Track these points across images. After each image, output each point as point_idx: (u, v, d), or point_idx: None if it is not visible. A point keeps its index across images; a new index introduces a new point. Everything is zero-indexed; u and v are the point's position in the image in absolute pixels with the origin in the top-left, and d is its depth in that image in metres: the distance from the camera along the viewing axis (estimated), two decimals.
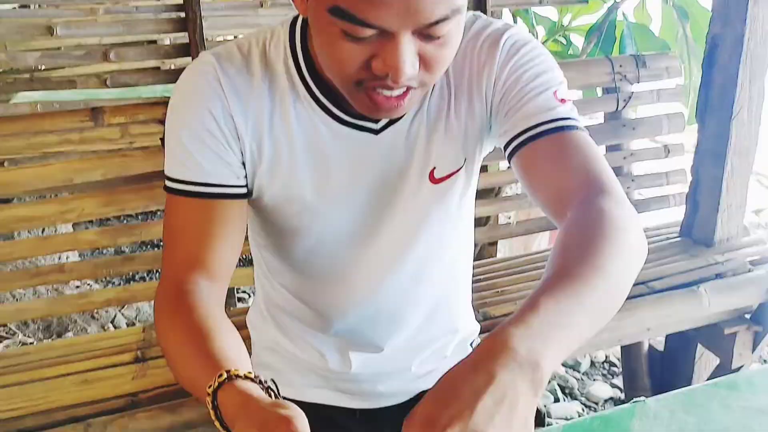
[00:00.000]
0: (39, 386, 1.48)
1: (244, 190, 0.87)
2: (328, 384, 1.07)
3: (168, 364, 0.79)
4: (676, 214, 2.29)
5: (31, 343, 2.54)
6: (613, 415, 1.05)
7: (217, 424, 0.67)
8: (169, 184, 0.85)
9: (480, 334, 1.19)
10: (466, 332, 1.14)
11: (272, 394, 0.68)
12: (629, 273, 0.71)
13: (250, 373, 0.67)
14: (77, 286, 2.89)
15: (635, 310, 1.80)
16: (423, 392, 1.09)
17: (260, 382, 0.68)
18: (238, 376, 0.67)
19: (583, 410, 2.76)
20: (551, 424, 2.62)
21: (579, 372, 2.99)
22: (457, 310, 1.11)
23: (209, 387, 0.66)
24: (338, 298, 1.00)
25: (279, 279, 1.03)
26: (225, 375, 0.66)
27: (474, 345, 1.17)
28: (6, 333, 2.64)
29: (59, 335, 2.65)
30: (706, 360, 2.16)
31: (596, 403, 2.81)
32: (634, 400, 1.07)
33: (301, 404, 1.08)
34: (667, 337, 2.22)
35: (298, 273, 1.00)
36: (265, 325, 1.10)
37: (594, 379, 2.97)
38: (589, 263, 0.67)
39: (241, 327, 1.10)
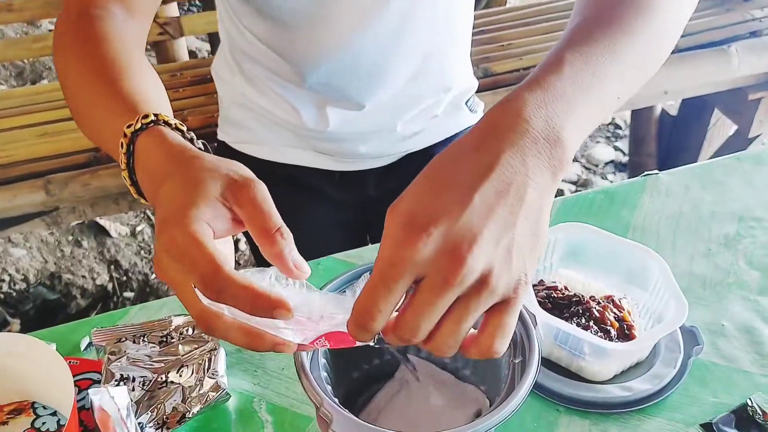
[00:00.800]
0: None
1: None
2: (304, 143, 0.97)
3: (71, 111, 0.64)
4: None
5: (2, 89, 2.39)
6: (620, 189, 0.93)
7: (131, 187, 0.55)
8: None
9: (478, 92, 1.05)
10: (461, 90, 1.01)
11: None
12: (682, 12, 0.57)
13: (181, 124, 0.55)
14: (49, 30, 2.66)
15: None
16: (410, 154, 0.98)
17: (191, 140, 0.55)
18: (167, 123, 0.54)
19: (582, 172, 2.71)
20: None
21: None
22: (450, 66, 0.97)
23: (128, 127, 0.53)
24: (308, 47, 0.86)
25: (244, 21, 0.88)
26: (152, 117, 0.53)
27: (470, 104, 1.04)
28: None
29: (33, 82, 2.50)
30: (721, 127, 2.03)
31: (596, 166, 2.76)
32: (646, 173, 0.95)
33: (275, 165, 1.01)
34: (683, 101, 2.07)
35: (264, 16, 0.84)
36: (232, 77, 0.98)
37: (597, 141, 2.88)
38: (629, 3, 0.52)
39: (207, 80, 0.96)
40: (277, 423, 0.65)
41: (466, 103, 1.04)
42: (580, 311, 0.69)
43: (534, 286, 0.74)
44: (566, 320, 0.68)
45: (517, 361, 0.56)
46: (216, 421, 0.65)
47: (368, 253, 0.85)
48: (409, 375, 0.67)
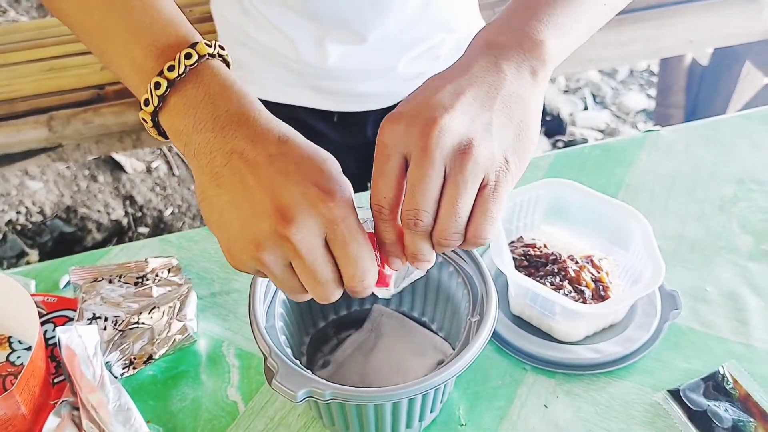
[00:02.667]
0: (3, 72, 1.37)
1: None
2: (302, 81, 0.95)
3: (74, 30, 0.54)
4: None
5: (24, 21, 2.39)
6: (617, 145, 0.90)
7: (151, 129, 0.48)
8: None
9: None
10: (466, 32, 0.98)
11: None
12: None
13: (222, 48, 0.48)
14: None
15: (679, 18, 1.54)
16: None
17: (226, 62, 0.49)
18: (210, 55, 0.47)
19: (611, 120, 2.63)
20: (574, 134, 2.56)
21: (615, 80, 2.79)
22: (456, 5, 0.94)
23: (170, 70, 0.45)
24: None
25: None
26: (195, 54, 0.46)
27: None
28: None
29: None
30: (752, 79, 1.94)
31: (627, 114, 2.68)
32: (647, 129, 0.92)
33: (272, 105, 1.00)
34: (714, 51, 1.98)
35: None
36: (231, 13, 0.96)
37: (630, 89, 2.79)
38: None
39: (208, 19, 0.94)
40: (243, 368, 0.66)
41: None
42: (556, 270, 0.68)
43: (512, 243, 0.72)
44: (540, 279, 0.67)
45: (474, 320, 0.55)
46: (184, 363, 0.66)
47: (366, 199, 0.84)
48: (377, 324, 0.67)
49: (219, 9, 0.99)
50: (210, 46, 0.47)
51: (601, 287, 0.67)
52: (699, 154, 0.88)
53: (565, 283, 0.67)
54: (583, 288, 0.66)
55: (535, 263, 0.69)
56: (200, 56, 0.46)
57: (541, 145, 2.39)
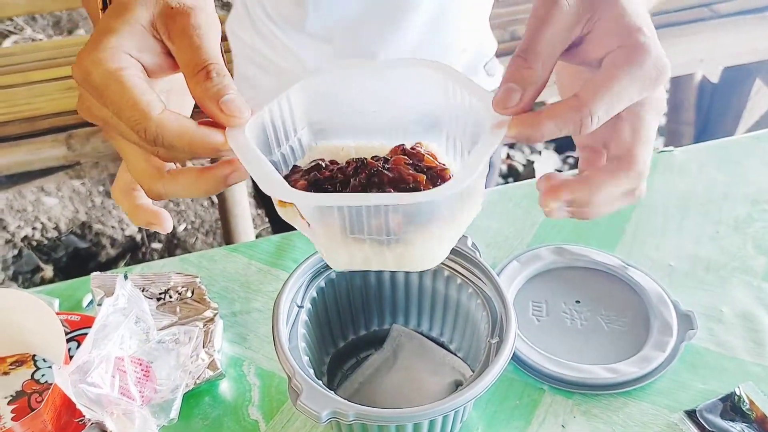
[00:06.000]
0: (23, 91, 1.39)
1: None
2: None
3: None
4: None
5: (40, 39, 2.43)
6: None
7: None
8: None
9: (502, 56, 1.03)
10: (478, 52, 1.00)
11: None
12: None
13: None
14: None
15: (690, 37, 1.55)
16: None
17: None
18: None
19: None
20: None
21: None
22: (467, 25, 0.95)
23: None
24: None
25: None
26: None
27: (488, 68, 1.02)
28: (14, 28, 2.52)
29: (70, 32, 2.53)
30: (762, 97, 1.95)
31: None
32: (661, 150, 0.92)
33: None
34: (725, 69, 1.99)
35: None
36: (244, 32, 0.98)
37: None
38: None
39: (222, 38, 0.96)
40: (264, 387, 0.66)
41: (484, 66, 1.02)
42: (364, 182, 0.44)
43: (291, 172, 0.48)
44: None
45: (493, 342, 0.56)
46: (205, 383, 0.67)
47: None
48: (397, 343, 0.68)
49: (233, 29, 1.01)
50: None
51: (434, 173, 0.45)
52: (711, 174, 0.89)
53: (387, 190, 0.44)
54: (412, 185, 0.44)
55: (334, 183, 0.45)
56: None
57: (552, 161, 2.40)
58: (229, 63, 0.98)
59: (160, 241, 2.07)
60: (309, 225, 0.44)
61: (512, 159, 2.39)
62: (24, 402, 0.64)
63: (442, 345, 0.68)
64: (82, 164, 1.29)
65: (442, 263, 0.62)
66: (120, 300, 0.62)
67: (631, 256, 0.78)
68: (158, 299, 0.72)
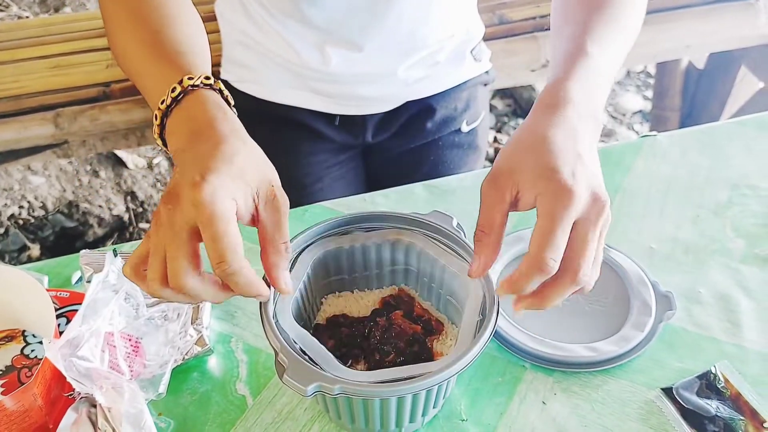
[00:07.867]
0: (10, 69, 1.38)
1: None
2: (304, 84, 0.97)
3: (114, 53, 0.69)
4: None
5: (27, 17, 2.40)
6: (614, 149, 0.92)
7: (159, 142, 0.60)
8: None
9: (491, 39, 1.04)
10: (465, 37, 1.01)
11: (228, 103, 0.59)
12: None
13: (220, 85, 0.59)
14: None
15: (675, 23, 1.56)
16: (410, 103, 0.98)
17: (226, 99, 0.59)
18: (195, 86, 0.57)
19: (608, 122, 2.66)
20: None
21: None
22: (454, 11, 0.96)
23: (172, 91, 0.56)
24: None
25: None
26: (178, 88, 0.56)
27: (475, 53, 1.02)
28: (0, 5, 2.48)
29: (56, 10, 2.50)
30: (747, 83, 1.97)
31: (623, 115, 2.70)
32: (644, 134, 0.94)
33: (274, 105, 1.02)
34: (710, 55, 2.00)
35: None
36: (234, 15, 0.99)
37: (626, 90, 2.81)
38: None
39: (211, 19, 0.96)
40: (251, 363, 0.68)
41: (471, 51, 1.03)
42: (379, 337, 0.61)
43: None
44: (376, 355, 0.60)
45: (476, 320, 0.57)
46: (194, 358, 0.68)
47: (356, 203, 0.86)
48: None
49: (222, 11, 1.01)
50: (192, 78, 0.56)
51: (430, 322, 0.65)
52: (694, 159, 0.90)
53: (403, 343, 0.61)
54: (421, 322, 0.64)
55: (348, 343, 0.62)
56: (183, 89, 0.56)
57: None
58: (217, 43, 0.99)
59: (147, 221, 2.06)
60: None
61: (499, 143, 2.41)
62: (14, 377, 0.65)
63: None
64: (69, 143, 1.29)
65: (429, 243, 0.63)
66: (110, 276, 0.63)
67: (613, 238, 0.79)
68: None
